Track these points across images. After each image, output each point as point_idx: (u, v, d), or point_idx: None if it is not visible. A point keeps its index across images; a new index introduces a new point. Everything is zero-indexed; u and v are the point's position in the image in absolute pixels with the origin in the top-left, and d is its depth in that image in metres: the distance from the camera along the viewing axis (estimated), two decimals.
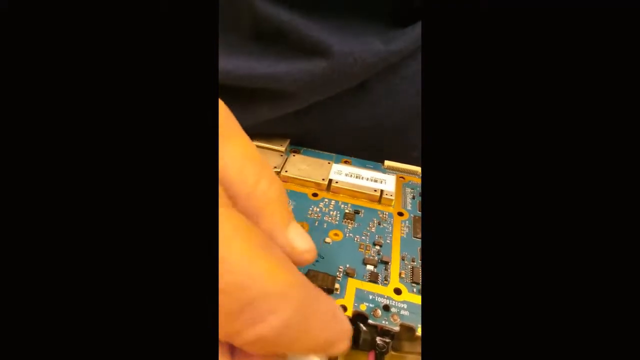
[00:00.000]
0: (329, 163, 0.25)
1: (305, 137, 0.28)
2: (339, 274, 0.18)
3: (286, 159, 0.25)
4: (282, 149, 0.26)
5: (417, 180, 0.26)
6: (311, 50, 0.22)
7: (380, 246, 0.20)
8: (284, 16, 0.21)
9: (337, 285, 0.18)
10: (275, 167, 0.25)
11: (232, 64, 0.22)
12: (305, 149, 0.28)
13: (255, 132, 0.27)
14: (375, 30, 0.23)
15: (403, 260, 0.20)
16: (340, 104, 0.26)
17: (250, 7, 0.21)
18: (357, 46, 0.22)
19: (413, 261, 0.20)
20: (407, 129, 0.29)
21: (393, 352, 0.18)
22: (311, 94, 0.24)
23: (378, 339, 0.17)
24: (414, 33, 0.23)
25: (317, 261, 0.19)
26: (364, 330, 0.17)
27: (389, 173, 0.25)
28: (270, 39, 0.22)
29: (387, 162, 0.27)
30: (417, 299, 0.18)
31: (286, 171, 0.24)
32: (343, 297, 0.17)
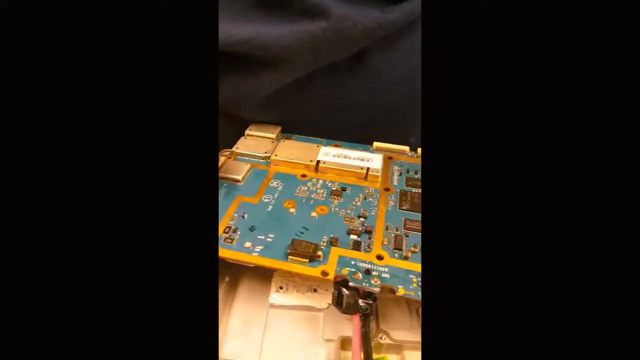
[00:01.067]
0: (317, 147, 0.26)
1: (303, 117, 0.28)
2: (323, 244, 0.19)
3: (277, 145, 0.26)
4: (273, 136, 0.27)
5: (405, 159, 0.26)
6: (312, 12, 0.23)
7: (365, 218, 0.21)
8: None
9: (319, 253, 0.18)
10: (266, 152, 0.26)
11: (235, 29, 0.23)
12: (296, 135, 0.28)
13: (256, 107, 0.28)
14: (372, 3, 0.24)
15: (387, 229, 0.20)
16: (339, 73, 0.26)
17: None
18: (356, 12, 0.23)
19: (397, 230, 0.20)
20: (404, 110, 0.29)
21: (390, 342, 0.19)
22: (313, 58, 0.25)
23: (361, 302, 0.17)
24: (409, 7, 0.24)
25: (301, 233, 0.20)
26: (347, 294, 0.17)
27: (377, 153, 0.26)
28: (273, 5, 0.23)
29: (375, 144, 0.27)
30: (399, 263, 0.18)
31: (276, 155, 0.25)
32: (326, 264, 0.18)
